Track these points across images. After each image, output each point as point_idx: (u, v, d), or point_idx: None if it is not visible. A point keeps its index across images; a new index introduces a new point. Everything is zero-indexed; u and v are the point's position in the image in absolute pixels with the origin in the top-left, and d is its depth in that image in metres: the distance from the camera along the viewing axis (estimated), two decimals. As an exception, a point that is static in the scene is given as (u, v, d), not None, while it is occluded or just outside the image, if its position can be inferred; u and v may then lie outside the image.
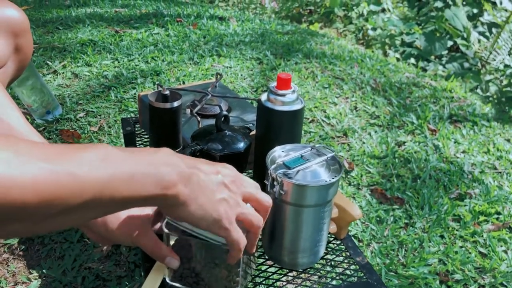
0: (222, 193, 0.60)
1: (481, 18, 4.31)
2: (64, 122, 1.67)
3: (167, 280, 0.76)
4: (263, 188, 0.92)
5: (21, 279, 1.08)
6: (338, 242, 0.93)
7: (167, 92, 0.92)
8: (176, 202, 0.55)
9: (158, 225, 0.72)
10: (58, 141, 1.56)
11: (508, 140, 1.88)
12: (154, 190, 0.52)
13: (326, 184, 0.75)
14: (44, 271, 1.10)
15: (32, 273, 1.10)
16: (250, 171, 1.10)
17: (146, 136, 1.26)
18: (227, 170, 0.62)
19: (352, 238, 1.04)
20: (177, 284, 0.75)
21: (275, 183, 0.75)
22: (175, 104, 0.91)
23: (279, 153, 0.82)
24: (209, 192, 0.58)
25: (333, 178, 0.76)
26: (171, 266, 0.70)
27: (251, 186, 0.64)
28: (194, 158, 0.61)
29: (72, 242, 1.18)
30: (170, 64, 2.15)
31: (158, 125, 0.95)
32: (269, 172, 0.75)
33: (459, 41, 3.97)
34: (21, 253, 1.16)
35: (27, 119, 1.65)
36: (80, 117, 1.70)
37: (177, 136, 0.96)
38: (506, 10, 4.46)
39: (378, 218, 1.34)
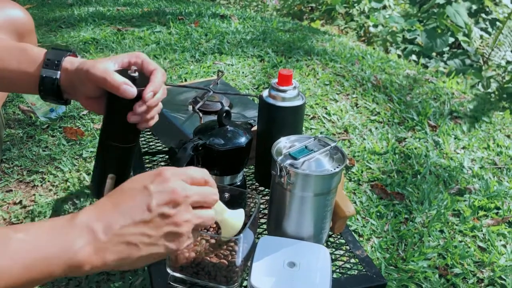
0: (159, 242, 0.57)
1: (482, 15, 4.32)
2: (68, 119, 1.68)
3: (168, 270, 0.77)
4: (267, 181, 0.94)
5: (27, 274, 1.10)
6: (338, 236, 0.95)
7: (136, 74, 0.75)
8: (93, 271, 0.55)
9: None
10: (62, 138, 1.58)
11: (508, 136, 1.89)
12: (63, 271, 0.53)
13: (330, 174, 0.78)
14: (49, 265, 1.12)
15: (37, 268, 1.12)
16: (252, 166, 1.11)
17: (148, 132, 1.28)
18: (163, 195, 0.57)
19: (352, 232, 1.05)
20: (178, 275, 0.77)
21: (282, 173, 0.78)
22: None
23: (284, 144, 0.84)
24: (140, 251, 0.56)
25: (337, 168, 0.79)
26: (126, 94, 0.71)
27: (195, 193, 0.60)
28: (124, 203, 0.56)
29: (77, 238, 1.20)
30: (172, 62, 2.17)
31: (113, 113, 0.78)
32: (277, 163, 0.78)
33: (460, 37, 3.97)
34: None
35: (31, 117, 1.67)
36: (83, 115, 1.71)
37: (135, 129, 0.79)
38: (507, 6, 4.46)
39: (378, 213, 1.35)
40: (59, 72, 0.75)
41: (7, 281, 0.49)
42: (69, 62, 0.76)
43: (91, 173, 0.83)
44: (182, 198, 0.57)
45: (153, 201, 0.56)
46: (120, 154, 0.80)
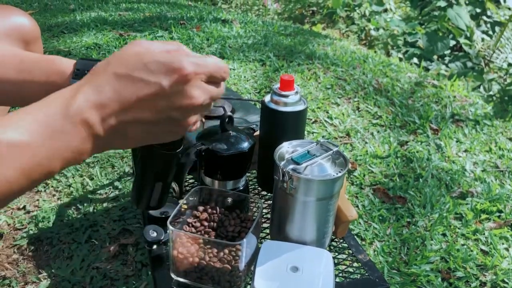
0: (160, 138, 0.55)
1: (484, 17, 4.32)
2: (71, 124, 1.69)
3: (172, 275, 0.78)
4: (269, 186, 0.94)
5: (31, 279, 1.11)
6: (341, 240, 0.95)
7: None
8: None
9: None
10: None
11: (510, 139, 1.89)
12: (62, 167, 0.49)
13: (333, 178, 0.78)
14: (53, 271, 1.13)
15: (41, 273, 1.12)
16: (254, 171, 1.12)
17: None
18: (179, 101, 0.52)
19: (355, 236, 1.06)
20: (182, 279, 0.77)
21: (285, 178, 0.78)
22: None
23: (287, 149, 0.85)
24: (140, 142, 0.54)
25: (339, 172, 0.79)
26: None
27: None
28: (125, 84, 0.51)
29: (80, 243, 1.20)
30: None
31: None
32: (279, 167, 0.78)
33: (462, 40, 3.98)
34: (30, 253, 1.18)
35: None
36: (86, 120, 1.72)
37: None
38: (509, 9, 4.46)
39: (380, 217, 1.36)
40: None
41: (4, 190, 0.46)
42: None
43: (132, 184, 0.82)
44: (197, 105, 0.53)
45: (165, 103, 0.51)
46: (168, 161, 0.79)
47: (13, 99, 0.76)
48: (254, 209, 0.89)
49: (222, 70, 0.56)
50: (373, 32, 4.23)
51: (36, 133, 0.47)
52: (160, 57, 0.51)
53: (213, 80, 0.55)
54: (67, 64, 0.75)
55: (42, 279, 1.11)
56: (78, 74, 0.74)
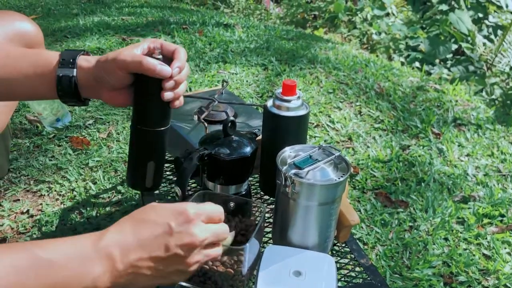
0: (168, 276, 0.63)
1: (486, 21, 4.33)
2: (74, 129, 1.70)
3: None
4: (271, 190, 0.94)
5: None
6: (343, 244, 0.95)
7: (160, 56, 0.77)
8: None
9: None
10: (68, 147, 1.59)
11: (512, 143, 1.89)
12: None
13: (335, 183, 0.79)
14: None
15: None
16: (256, 175, 1.12)
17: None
18: (183, 237, 0.62)
19: (357, 241, 1.06)
20: (185, 284, 0.77)
21: (287, 182, 0.79)
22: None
23: (289, 154, 0.85)
24: (149, 280, 0.62)
25: (341, 177, 0.79)
26: (163, 74, 0.74)
27: (211, 235, 0.65)
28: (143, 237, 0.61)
29: (83, 247, 1.21)
30: (177, 71, 2.18)
31: (146, 97, 0.79)
32: (282, 172, 0.79)
33: (464, 44, 3.98)
34: (33, 257, 1.18)
35: (37, 127, 1.69)
36: (89, 124, 1.73)
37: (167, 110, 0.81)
38: (511, 13, 4.47)
39: (382, 221, 1.36)
40: (75, 70, 0.76)
41: None
42: (84, 60, 0.78)
43: (127, 165, 0.86)
44: (199, 242, 0.63)
45: (172, 241, 0.61)
46: (156, 139, 0.81)
47: (2, 94, 0.79)
48: (257, 214, 0.89)
49: (218, 211, 0.68)
50: (375, 36, 4.23)
51: (68, 257, 0.56)
52: (167, 205, 0.65)
53: (211, 221, 0.66)
54: (53, 55, 0.78)
55: (45, 283, 1.11)
56: (64, 63, 0.77)
